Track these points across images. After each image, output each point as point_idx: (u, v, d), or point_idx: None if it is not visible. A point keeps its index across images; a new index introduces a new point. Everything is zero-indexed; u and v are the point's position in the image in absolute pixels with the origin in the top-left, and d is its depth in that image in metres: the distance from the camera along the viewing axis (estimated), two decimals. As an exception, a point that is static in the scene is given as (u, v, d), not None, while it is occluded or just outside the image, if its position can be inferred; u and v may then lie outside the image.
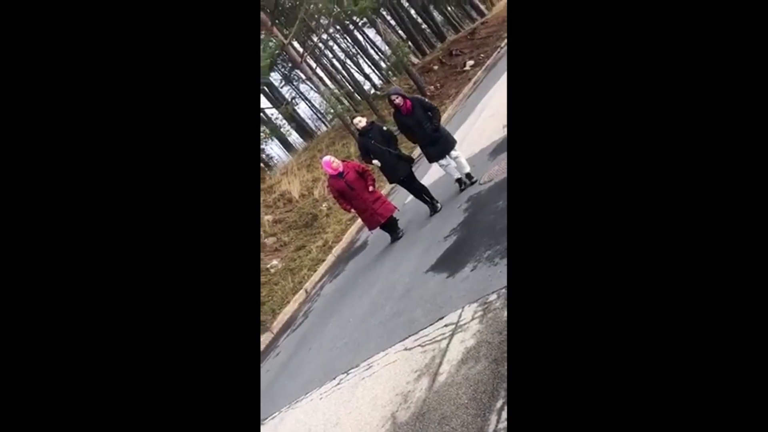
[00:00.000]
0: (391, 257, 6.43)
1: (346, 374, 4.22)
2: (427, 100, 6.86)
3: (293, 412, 4.48)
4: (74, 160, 1.44)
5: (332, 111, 14.48)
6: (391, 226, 7.02)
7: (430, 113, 6.37)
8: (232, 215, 1.52)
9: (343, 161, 6.94)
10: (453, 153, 6.42)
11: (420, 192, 6.82)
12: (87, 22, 1.45)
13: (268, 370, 6.59)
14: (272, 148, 30.46)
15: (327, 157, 7.02)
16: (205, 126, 1.52)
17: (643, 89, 1.32)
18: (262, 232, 11.15)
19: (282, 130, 26.40)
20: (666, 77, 1.31)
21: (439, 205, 6.64)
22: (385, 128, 6.89)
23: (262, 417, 5.01)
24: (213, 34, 1.53)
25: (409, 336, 3.82)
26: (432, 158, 6.56)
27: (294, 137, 27.67)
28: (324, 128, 25.48)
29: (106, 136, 1.44)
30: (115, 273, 1.43)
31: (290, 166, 16.06)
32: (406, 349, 3.70)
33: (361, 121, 6.90)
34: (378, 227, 6.99)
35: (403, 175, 6.78)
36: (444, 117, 12.24)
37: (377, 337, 4.28)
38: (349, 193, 6.79)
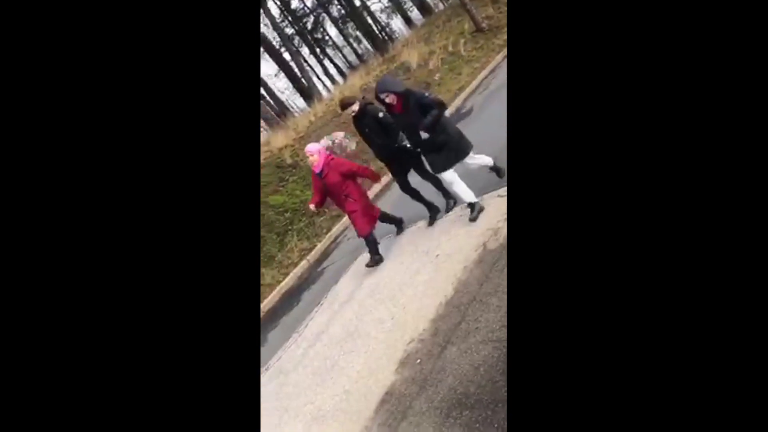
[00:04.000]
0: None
1: (446, 214, 5.46)
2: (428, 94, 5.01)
3: (406, 234, 5.84)
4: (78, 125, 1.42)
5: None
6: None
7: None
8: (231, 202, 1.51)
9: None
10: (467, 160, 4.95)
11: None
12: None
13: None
14: (395, 24, 33.34)
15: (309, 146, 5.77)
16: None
17: (645, 90, 1.29)
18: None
19: (405, 7, 29.78)
20: (666, 77, 1.28)
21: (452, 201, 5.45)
22: (381, 114, 5.30)
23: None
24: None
25: (502, 187, 4.85)
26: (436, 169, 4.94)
27: (415, 14, 29.55)
28: (441, 6, 25.53)
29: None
30: (101, 266, 1.41)
31: (410, 38, 16.84)
32: (499, 197, 4.73)
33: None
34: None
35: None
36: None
37: (475, 187, 5.20)
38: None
